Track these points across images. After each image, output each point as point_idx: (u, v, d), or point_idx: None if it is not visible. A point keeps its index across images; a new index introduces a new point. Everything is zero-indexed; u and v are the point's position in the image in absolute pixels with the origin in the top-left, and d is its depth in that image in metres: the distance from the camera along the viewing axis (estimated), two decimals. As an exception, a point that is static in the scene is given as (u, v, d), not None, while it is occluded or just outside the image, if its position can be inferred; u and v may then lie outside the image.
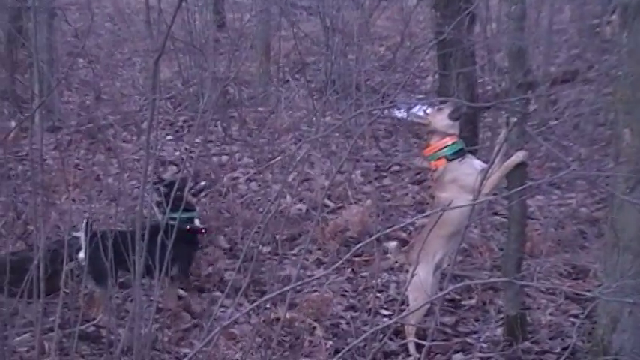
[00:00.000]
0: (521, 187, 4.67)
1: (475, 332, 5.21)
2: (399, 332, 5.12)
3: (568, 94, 9.12)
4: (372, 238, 3.87)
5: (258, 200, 7.36)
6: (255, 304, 3.53)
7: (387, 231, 4.35)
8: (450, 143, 5.08)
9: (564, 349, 4.66)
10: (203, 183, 6.27)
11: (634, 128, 4.47)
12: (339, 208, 7.17)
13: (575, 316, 5.21)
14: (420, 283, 4.73)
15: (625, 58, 4.51)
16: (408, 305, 4.96)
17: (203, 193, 6.30)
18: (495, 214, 6.76)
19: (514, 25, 4.90)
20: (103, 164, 7.72)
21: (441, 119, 5.14)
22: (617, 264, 4.57)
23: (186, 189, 5.31)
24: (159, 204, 5.78)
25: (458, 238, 4.63)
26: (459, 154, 5.06)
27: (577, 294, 5.27)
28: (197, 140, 7.33)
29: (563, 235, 6.33)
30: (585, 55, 9.53)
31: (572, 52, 10.28)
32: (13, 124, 8.69)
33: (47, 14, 9.27)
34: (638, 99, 4.43)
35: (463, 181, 4.90)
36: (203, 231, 5.89)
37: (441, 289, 4.85)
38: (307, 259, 6.29)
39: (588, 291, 5.23)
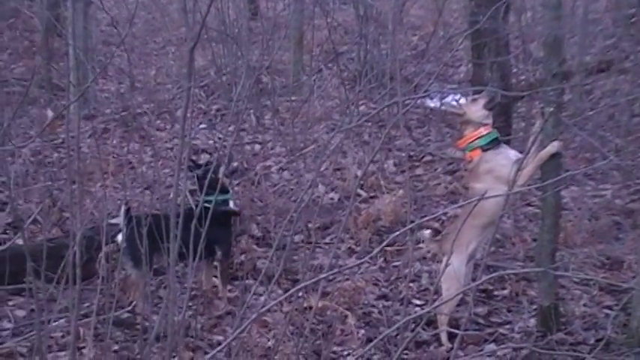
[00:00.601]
0: (556, 178, 4.63)
1: (508, 323, 5.20)
2: (431, 322, 5.11)
3: (603, 84, 9.03)
4: (405, 228, 3.86)
5: (291, 189, 7.37)
6: (288, 293, 3.53)
7: (420, 221, 4.33)
8: (484, 133, 5.06)
9: (598, 340, 4.63)
10: (235, 164, 6.28)
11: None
12: (371, 197, 7.17)
13: (610, 307, 5.17)
14: (454, 272, 4.73)
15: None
16: (441, 295, 4.96)
17: (236, 175, 6.32)
18: (529, 204, 6.72)
19: (550, 15, 4.86)
20: (137, 152, 7.77)
21: (475, 109, 5.12)
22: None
23: (221, 172, 5.33)
24: (192, 192, 5.82)
25: (492, 228, 4.63)
26: (493, 144, 5.03)
27: (611, 285, 5.24)
28: (230, 129, 7.35)
29: (597, 226, 6.28)
30: (621, 45, 9.43)
31: (608, 42, 10.17)
32: (50, 111, 8.77)
33: (83, 3, 9.34)
34: (675, 89, 4.39)
35: (498, 171, 4.88)
36: (238, 213, 5.93)
37: (474, 280, 4.84)
38: (340, 249, 6.30)
39: (623, 282, 5.20)
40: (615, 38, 9.91)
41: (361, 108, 8.90)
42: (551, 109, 4.66)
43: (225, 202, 5.68)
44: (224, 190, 5.56)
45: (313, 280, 3.75)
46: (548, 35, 4.80)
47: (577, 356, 4.36)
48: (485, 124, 5.10)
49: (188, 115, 3.79)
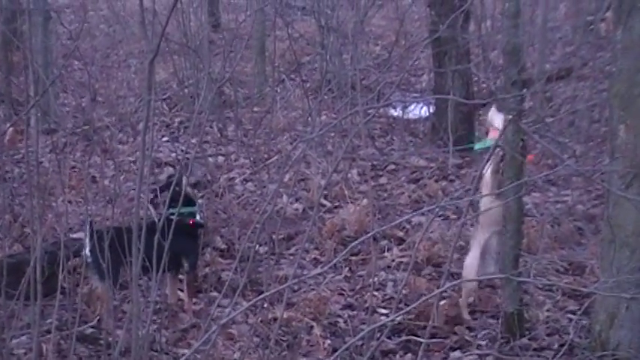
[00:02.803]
0: (517, 184, 4.68)
1: (473, 330, 5.22)
2: (397, 331, 5.13)
3: (564, 91, 9.13)
4: (367, 235, 3.87)
5: (255, 200, 7.36)
6: (251, 303, 3.52)
7: (383, 228, 4.35)
8: None
9: (562, 345, 4.66)
10: (199, 173, 6.25)
11: (629, 124, 4.49)
12: (335, 207, 7.18)
13: (573, 312, 5.21)
14: (469, 262, 5.27)
15: (619, 55, 4.53)
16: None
17: (199, 187, 6.29)
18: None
19: (509, 23, 4.91)
20: (99, 166, 7.71)
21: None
22: (614, 260, 4.59)
23: (184, 183, 5.30)
24: (154, 203, 5.78)
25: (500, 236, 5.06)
26: None
27: (574, 290, 5.28)
28: (193, 141, 7.33)
29: (560, 231, 6.34)
30: (580, 52, 9.53)
31: (568, 50, 10.29)
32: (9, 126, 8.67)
33: (42, 17, 9.26)
34: (633, 95, 4.45)
35: None
36: (203, 225, 5.89)
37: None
38: (304, 259, 6.29)
39: (586, 287, 5.25)
40: (575, 45, 10.02)
41: (323, 118, 8.91)
42: (511, 116, 4.70)
43: (192, 214, 5.65)
44: (190, 203, 5.53)
45: (277, 290, 3.73)
46: (507, 43, 4.84)
47: (541, 361, 4.40)
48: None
49: (149, 127, 3.77)
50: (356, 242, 3.45)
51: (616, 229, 4.58)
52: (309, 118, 8.66)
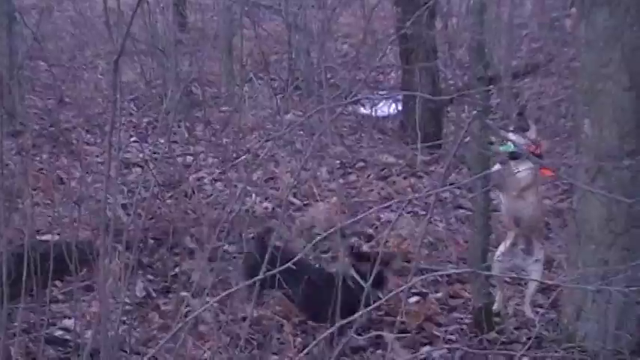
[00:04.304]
0: (480, 175, 4.71)
1: (443, 325, 5.24)
2: (366, 327, 5.13)
3: (530, 87, 9.21)
4: (331, 230, 3.89)
5: (224, 200, 7.34)
6: (217, 298, 3.52)
7: (348, 223, 4.36)
8: None
9: (530, 338, 4.70)
10: None
11: (593, 119, 4.54)
12: (305, 205, 7.18)
13: (541, 306, 5.25)
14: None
15: (583, 50, 4.58)
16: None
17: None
18: (460, 207, 6.80)
19: (474, 20, 4.94)
20: (66, 167, 7.66)
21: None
22: (580, 254, 4.64)
23: None
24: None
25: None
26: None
27: (542, 284, 5.32)
28: (161, 141, 7.30)
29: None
30: (547, 49, 9.62)
31: (534, 46, 10.38)
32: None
33: (7, 18, 9.18)
34: (597, 90, 4.50)
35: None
36: None
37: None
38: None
39: (553, 281, 5.30)
40: (541, 42, 10.11)
41: (289, 116, 8.91)
42: (476, 112, 4.73)
43: None
44: None
45: (245, 284, 3.73)
46: (472, 40, 4.88)
47: (509, 355, 4.43)
48: None
49: (116, 127, 3.76)
50: (320, 237, 3.46)
51: (581, 223, 4.64)
52: (275, 117, 8.67)
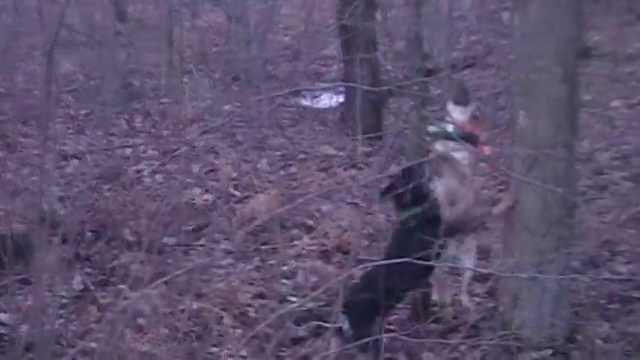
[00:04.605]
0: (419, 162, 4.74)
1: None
2: (306, 318, 5.15)
3: (469, 79, 9.29)
4: (266, 219, 3.89)
5: (164, 192, 7.28)
6: (152, 284, 3.51)
7: (285, 208, 4.35)
8: None
9: (467, 326, 4.76)
10: None
11: (528, 110, 4.60)
12: (245, 197, 7.16)
13: (478, 295, 5.31)
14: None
15: (518, 42, 4.64)
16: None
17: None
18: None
19: (411, 12, 4.98)
20: (1, 160, 7.53)
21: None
22: (516, 243, 4.71)
23: None
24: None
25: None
26: None
27: (479, 273, 5.38)
28: (99, 133, 7.22)
29: (466, 215, 6.44)
30: (485, 41, 9.72)
31: (473, 38, 10.48)
32: None
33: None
34: (532, 81, 4.56)
35: None
36: None
37: None
38: (214, 249, 6.25)
39: (489, 270, 5.36)
40: (480, 34, 10.21)
41: (228, 107, 8.87)
42: (414, 103, 4.77)
43: None
44: None
45: (183, 270, 3.70)
46: (409, 32, 4.91)
47: (446, 344, 4.48)
48: None
49: (52, 119, 3.72)
50: (253, 225, 3.46)
51: (518, 212, 4.70)
52: (214, 108, 8.63)
